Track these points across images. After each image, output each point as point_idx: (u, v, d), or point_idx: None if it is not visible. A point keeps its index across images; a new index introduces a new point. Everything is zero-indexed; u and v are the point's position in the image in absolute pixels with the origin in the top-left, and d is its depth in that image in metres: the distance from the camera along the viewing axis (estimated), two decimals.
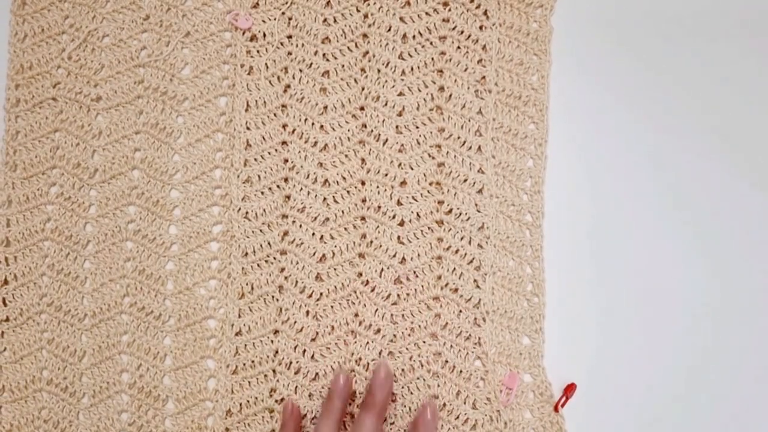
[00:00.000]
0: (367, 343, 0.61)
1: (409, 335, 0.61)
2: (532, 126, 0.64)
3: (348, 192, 0.63)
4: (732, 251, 0.62)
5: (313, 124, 0.64)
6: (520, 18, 0.65)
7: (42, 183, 0.63)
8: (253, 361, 0.61)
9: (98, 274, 0.62)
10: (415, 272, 0.61)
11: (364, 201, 0.63)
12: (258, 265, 0.62)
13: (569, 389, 0.60)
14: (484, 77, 0.64)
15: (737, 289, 0.62)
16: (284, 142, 0.64)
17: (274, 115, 0.64)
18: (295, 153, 0.63)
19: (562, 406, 0.59)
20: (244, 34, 0.65)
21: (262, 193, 0.63)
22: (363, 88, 0.64)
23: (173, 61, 0.65)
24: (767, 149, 0.64)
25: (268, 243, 0.62)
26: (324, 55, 0.64)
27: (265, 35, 0.65)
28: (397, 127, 0.63)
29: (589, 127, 0.64)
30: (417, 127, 0.63)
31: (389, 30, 0.64)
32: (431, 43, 0.64)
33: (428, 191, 0.63)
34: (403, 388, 0.60)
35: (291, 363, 0.61)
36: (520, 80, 0.64)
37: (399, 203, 0.63)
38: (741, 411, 0.61)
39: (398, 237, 0.62)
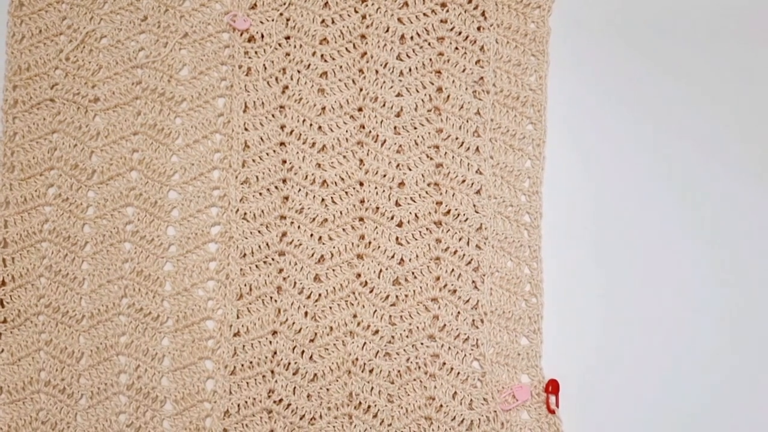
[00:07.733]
0: (365, 344, 0.61)
1: (407, 337, 0.61)
2: (530, 126, 0.64)
3: (346, 193, 0.63)
4: (732, 250, 0.62)
5: (311, 125, 0.64)
6: (517, 19, 0.65)
7: (40, 184, 0.63)
8: (251, 362, 0.61)
9: (96, 275, 0.62)
10: (414, 274, 0.61)
11: (362, 202, 0.63)
12: (256, 266, 0.62)
13: (550, 386, 0.59)
14: (482, 78, 0.64)
15: (737, 289, 0.62)
16: (282, 143, 0.64)
17: (272, 116, 0.64)
18: (294, 154, 0.63)
19: (556, 405, 0.59)
20: (242, 35, 0.65)
21: (261, 194, 0.63)
22: (361, 89, 0.64)
23: (171, 62, 0.65)
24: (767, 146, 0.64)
25: (267, 244, 0.62)
26: (322, 56, 0.64)
27: (263, 36, 0.65)
28: (395, 128, 0.63)
29: (587, 127, 0.64)
30: (415, 128, 0.63)
31: (387, 31, 0.64)
32: (429, 44, 0.64)
33: (426, 192, 0.63)
34: (399, 389, 0.60)
35: (289, 364, 0.61)
36: (518, 81, 0.64)
37: (397, 204, 0.63)
38: (741, 410, 0.61)
39: (396, 238, 0.62)
